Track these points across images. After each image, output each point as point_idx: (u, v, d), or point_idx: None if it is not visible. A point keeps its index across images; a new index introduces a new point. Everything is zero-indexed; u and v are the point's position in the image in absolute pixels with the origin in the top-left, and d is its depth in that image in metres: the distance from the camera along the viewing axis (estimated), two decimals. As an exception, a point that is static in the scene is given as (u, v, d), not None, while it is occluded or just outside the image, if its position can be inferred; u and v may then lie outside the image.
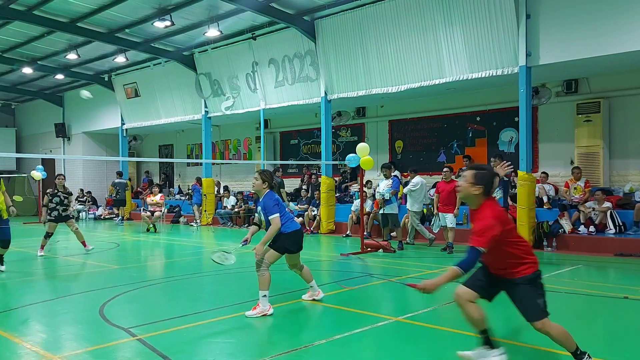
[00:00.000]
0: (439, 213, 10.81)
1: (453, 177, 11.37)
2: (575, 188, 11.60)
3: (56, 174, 11.09)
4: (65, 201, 10.67)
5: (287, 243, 5.75)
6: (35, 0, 13.60)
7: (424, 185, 11.67)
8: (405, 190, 11.82)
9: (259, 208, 5.94)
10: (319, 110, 14.88)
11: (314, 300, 6.25)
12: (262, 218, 5.89)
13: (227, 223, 17.26)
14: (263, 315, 5.57)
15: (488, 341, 4.03)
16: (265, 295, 5.62)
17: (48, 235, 10.56)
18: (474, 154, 14.26)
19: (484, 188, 3.81)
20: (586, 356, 3.83)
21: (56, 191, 10.61)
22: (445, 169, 11.01)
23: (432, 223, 11.66)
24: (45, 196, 10.59)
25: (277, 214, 5.64)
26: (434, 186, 12.07)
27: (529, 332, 5.30)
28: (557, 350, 4.44)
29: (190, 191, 19.29)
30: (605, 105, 11.98)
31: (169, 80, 18.75)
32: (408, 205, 11.65)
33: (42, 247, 10.59)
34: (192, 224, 18.06)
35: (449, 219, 10.55)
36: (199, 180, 18.52)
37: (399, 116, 15.87)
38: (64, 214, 10.60)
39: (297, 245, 5.89)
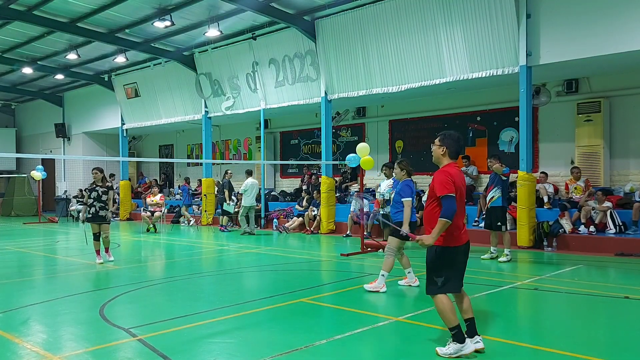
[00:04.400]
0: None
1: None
2: (575, 188, 11.59)
3: (92, 168, 9.63)
4: (104, 197, 9.31)
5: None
6: (35, 0, 13.60)
7: (254, 185, 14.45)
8: (241, 189, 14.46)
9: (388, 190, 7.66)
10: (319, 110, 14.88)
11: (410, 286, 7.10)
12: (389, 197, 7.21)
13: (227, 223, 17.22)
14: (376, 291, 6.54)
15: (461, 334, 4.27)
16: (383, 275, 6.62)
17: (95, 237, 9.48)
18: (474, 154, 14.25)
19: (447, 149, 4.43)
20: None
21: (94, 185, 9.40)
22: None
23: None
24: (84, 193, 9.50)
25: (410, 198, 6.46)
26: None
27: (529, 332, 5.31)
28: (557, 350, 4.45)
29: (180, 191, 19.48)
30: (605, 105, 11.97)
31: (169, 80, 18.75)
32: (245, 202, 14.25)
33: (98, 252, 9.53)
34: (183, 224, 18.22)
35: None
36: (187, 180, 19.28)
37: (399, 116, 15.86)
38: (100, 212, 9.31)
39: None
